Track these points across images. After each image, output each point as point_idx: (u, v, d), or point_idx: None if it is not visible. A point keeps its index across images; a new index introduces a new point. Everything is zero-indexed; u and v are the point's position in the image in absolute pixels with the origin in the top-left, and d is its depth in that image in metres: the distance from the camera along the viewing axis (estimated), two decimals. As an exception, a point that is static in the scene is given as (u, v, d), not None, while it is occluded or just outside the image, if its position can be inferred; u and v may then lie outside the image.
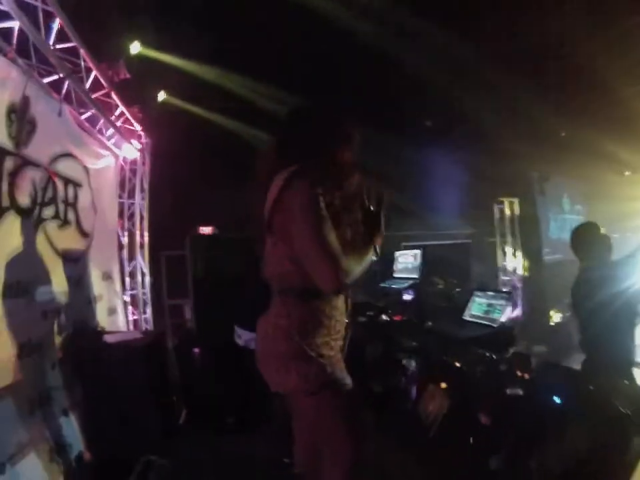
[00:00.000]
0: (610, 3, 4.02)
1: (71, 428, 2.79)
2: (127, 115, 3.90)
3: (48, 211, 2.97)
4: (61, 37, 2.65)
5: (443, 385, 2.72)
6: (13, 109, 2.49)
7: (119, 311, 4.03)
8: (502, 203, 6.36)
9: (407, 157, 5.94)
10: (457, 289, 6.80)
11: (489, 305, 3.14)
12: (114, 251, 4.07)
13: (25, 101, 2.59)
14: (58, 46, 2.66)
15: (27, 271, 2.64)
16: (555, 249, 6.23)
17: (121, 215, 4.32)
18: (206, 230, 4.47)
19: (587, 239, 2.82)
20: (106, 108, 3.64)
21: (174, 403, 3.49)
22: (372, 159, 5.67)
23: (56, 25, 2.52)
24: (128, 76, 3.51)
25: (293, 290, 1.53)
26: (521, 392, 2.26)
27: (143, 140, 4.43)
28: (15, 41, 2.28)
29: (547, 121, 5.03)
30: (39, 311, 2.73)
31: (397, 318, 3.47)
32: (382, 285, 5.01)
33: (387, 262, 5.38)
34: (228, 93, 4.66)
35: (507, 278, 6.30)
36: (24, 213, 2.68)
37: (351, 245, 1.53)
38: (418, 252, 4.96)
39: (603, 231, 2.87)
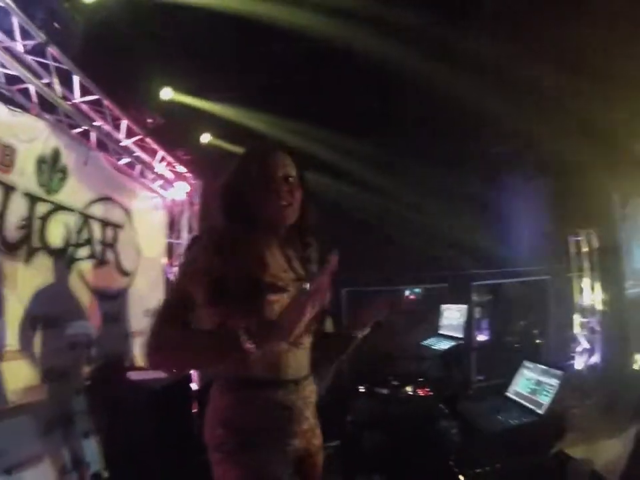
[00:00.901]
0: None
1: (90, 449, 2.92)
2: (168, 158, 4.16)
3: (83, 252, 3.20)
4: (85, 90, 2.92)
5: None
6: (43, 159, 2.77)
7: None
8: (578, 234, 5.62)
9: (470, 189, 5.57)
10: (536, 331, 6.11)
11: (537, 383, 2.57)
12: (160, 289, 4.27)
13: (55, 151, 2.88)
14: (83, 99, 2.94)
15: (55, 305, 2.85)
16: (640, 280, 5.32)
17: (169, 254, 4.55)
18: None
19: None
20: (148, 153, 3.93)
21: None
22: (435, 194, 5.33)
23: (77, 80, 2.79)
24: (162, 121, 3.77)
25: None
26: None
27: (191, 181, 4.69)
28: (35, 99, 2.54)
29: (622, 137, 4.35)
30: (66, 342, 2.91)
31: (421, 392, 2.90)
32: (424, 342, 4.63)
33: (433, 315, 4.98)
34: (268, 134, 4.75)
35: (585, 320, 5.41)
36: (55, 253, 2.91)
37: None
38: (464, 307, 4.59)
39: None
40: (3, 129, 2.37)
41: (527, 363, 2.77)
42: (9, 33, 2.20)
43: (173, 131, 4.01)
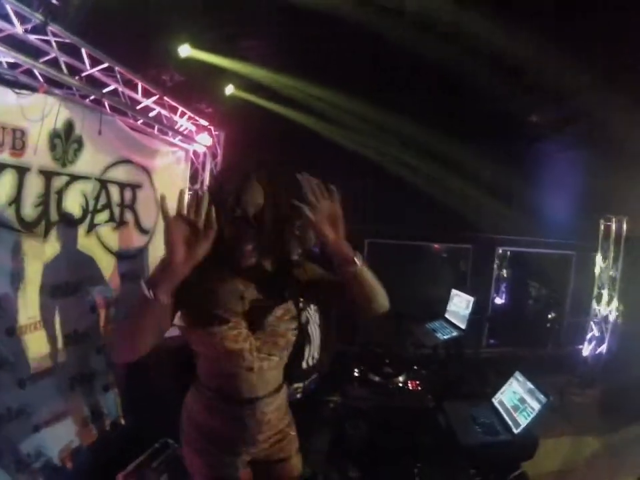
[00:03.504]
0: None
1: (110, 401, 3.29)
2: (189, 113, 4.06)
3: (101, 216, 3.32)
4: (95, 59, 2.81)
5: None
6: (56, 134, 2.78)
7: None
8: (609, 218, 5.21)
9: (506, 155, 5.22)
10: (552, 300, 6.07)
11: (521, 401, 2.53)
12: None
13: (68, 124, 2.87)
14: (94, 69, 2.85)
15: (75, 272, 3.04)
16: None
17: (191, 205, 4.62)
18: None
19: None
20: (169, 110, 3.84)
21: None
22: (470, 157, 5.10)
23: (84, 52, 2.69)
24: (180, 78, 3.62)
25: None
26: None
27: (214, 133, 4.60)
28: (41, 79, 2.49)
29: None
30: (88, 306, 3.16)
31: (411, 385, 2.92)
32: (428, 324, 4.61)
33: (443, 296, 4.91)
34: (287, 86, 4.52)
35: (600, 307, 5.18)
36: (74, 223, 3.05)
37: None
38: (471, 299, 4.39)
39: None
40: (11, 113, 2.37)
41: (518, 375, 2.73)
42: (6, 18, 2.11)
43: (194, 87, 3.86)
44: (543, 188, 5.45)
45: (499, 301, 6.68)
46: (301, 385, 2.51)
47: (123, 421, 3.30)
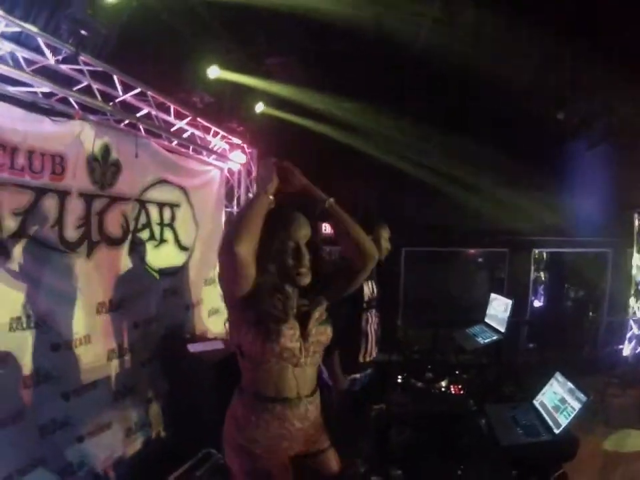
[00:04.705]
0: None
1: (152, 413, 3.36)
2: (221, 132, 4.18)
3: (142, 235, 3.46)
4: (126, 85, 2.97)
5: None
6: (94, 158, 2.94)
7: (222, 310, 4.48)
8: None
9: (536, 155, 5.19)
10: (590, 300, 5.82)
11: (562, 401, 2.47)
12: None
13: (105, 148, 3.03)
14: (126, 95, 3.00)
15: (118, 290, 3.16)
16: None
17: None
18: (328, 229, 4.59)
19: None
20: (201, 130, 3.98)
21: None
22: (500, 160, 5.07)
23: (116, 79, 2.84)
24: (211, 99, 3.74)
25: None
26: None
27: (247, 150, 4.70)
28: (76, 105, 2.65)
29: None
30: (131, 322, 3.26)
31: (453, 389, 2.84)
32: (469, 329, 4.56)
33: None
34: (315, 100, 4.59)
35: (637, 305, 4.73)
36: (115, 243, 3.18)
37: None
38: (509, 302, 4.29)
39: None
40: (49, 139, 2.52)
41: (558, 376, 2.66)
42: (38, 50, 2.26)
43: (224, 106, 3.98)
44: (575, 186, 5.37)
45: (537, 303, 6.55)
46: (357, 375, 2.72)
47: (164, 433, 3.34)
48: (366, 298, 2.80)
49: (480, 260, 6.76)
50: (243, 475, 1.67)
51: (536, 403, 2.71)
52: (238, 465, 1.68)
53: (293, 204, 1.68)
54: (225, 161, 4.52)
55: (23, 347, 2.32)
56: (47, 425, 2.35)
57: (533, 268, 6.26)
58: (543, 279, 6.69)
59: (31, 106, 2.38)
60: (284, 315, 1.57)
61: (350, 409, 2.61)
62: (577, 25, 3.54)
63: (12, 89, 2.27)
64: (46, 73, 2.36)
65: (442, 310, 5.79)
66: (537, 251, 6.27)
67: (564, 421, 2.36)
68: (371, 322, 2.83)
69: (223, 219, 4.62)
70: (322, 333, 1.66)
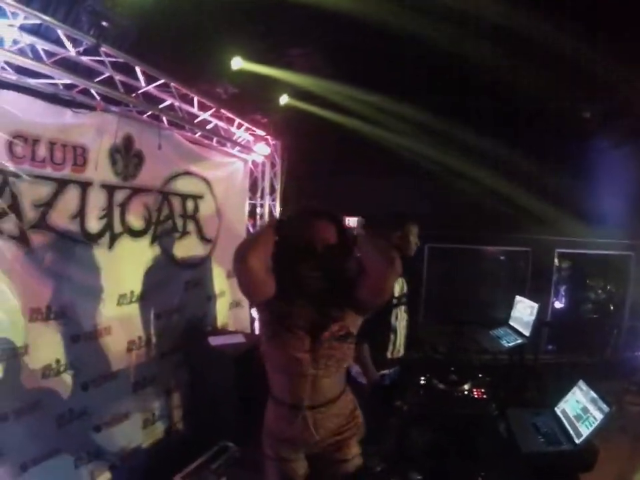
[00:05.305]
0: None
1: (171, 405, 3.38)
2: (245, 124, 4.13)
3: (165, 227, 3.46)
4: (149, 76, 2.95)
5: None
6: (117, 149, 2.95)
7: (244, 304, 4.48)
8: None
9: (561, 155, 5.05)
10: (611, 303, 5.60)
11: (584, 410, 2.42)
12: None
13: (128, 139, 3.03)
14: (149, 86, 2.98)
15: (140, 282, 3.18)
16: None
17: (252, 215, 4.71)
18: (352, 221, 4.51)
19: None
20: (225, 121, 3.94)
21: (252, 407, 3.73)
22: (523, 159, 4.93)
23: (138, 70, 2.82)
24: (234, 91, 3.69)
25: None
26: None
27: (271, 142, 4.65)
28: (97, 97, 2.65)
29: None
30: (152, 313, 3.29)
31: (476, 393, 2.73)
32: (493, 331, 4.52)
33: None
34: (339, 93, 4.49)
35: None
36: (138, 234, 3.20)
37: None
38: (535, 306, 4.25)
39: None
40: (71, 131, 2.54)
41: (581, 384, 2.60)
42: (59, 43, 2.26)
43: (248, 98, 3.93)
44: (597, 186, 5.17)
45: (557, 304, 6.34)
46: (386, 372, 2.72)
47: (182, 425, 3.36)
48: (396, 294, 2.75)
49: (502, 258, 6.64)
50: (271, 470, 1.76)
51: (557, 410, 2.67)
52: (268, 461, 1.77)
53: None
54: (248, 152, 4.48)
55: (43, 337, 2.36)
56: (64, 414, 2.40)
57: (555, 268, 6.15)
58: (565, 279, 6.53)
59: (52, 98, 2.40)
60: (286, 322, 1.59)
61: (380, 403, 2.60)
62: (601, 21, 3.35)
63: (32, 81, 2.28)
64: (66, 64, 2.36)
65: (463, 307, 5.74)
66: (559, 251, 6.12)
67: (585, 430, 2.31)
68: (400, 318, 2.81)
69: (247, 210, 4.60)
70: (336, 349, 1.62)
